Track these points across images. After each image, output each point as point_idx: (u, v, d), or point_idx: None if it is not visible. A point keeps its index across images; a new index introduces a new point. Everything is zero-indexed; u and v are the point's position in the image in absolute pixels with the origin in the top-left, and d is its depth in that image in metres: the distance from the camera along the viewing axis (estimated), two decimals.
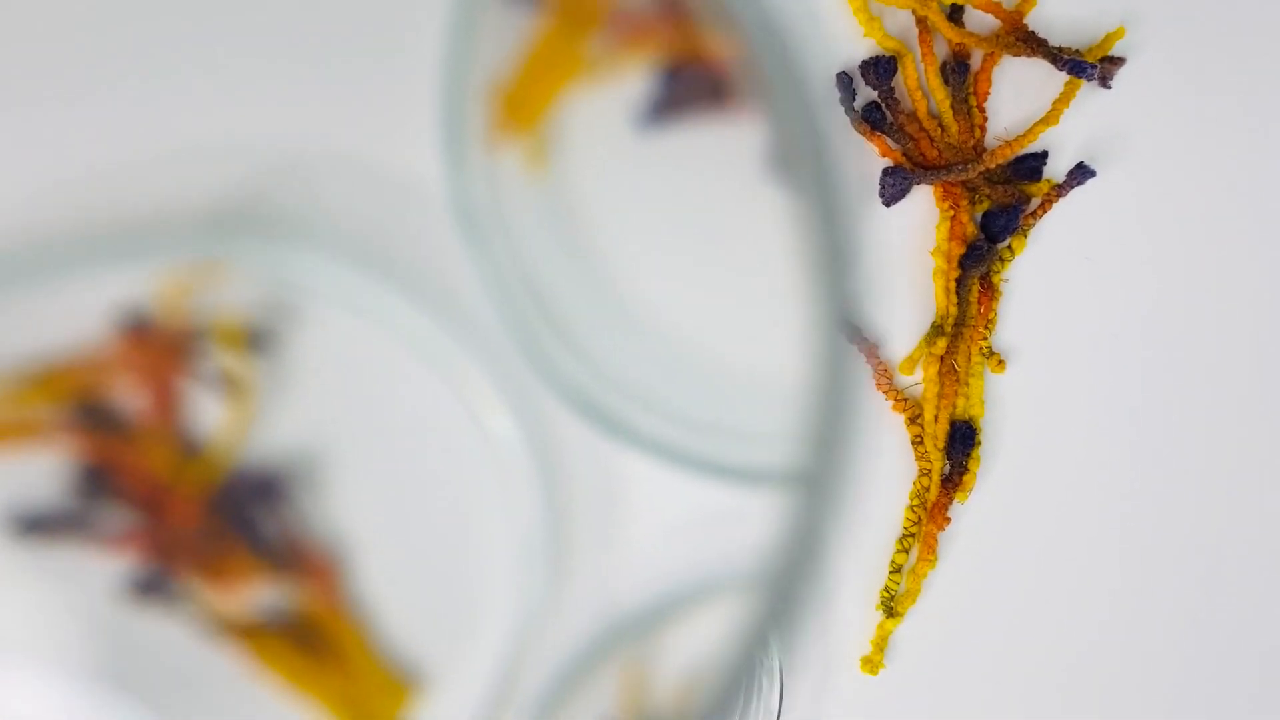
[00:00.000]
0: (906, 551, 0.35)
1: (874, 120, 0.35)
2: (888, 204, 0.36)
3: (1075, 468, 0.35)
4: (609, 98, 0.19)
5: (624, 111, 0.19)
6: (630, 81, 0.19)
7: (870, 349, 0.36)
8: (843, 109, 0.34)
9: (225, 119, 0.22)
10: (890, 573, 0.36)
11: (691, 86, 0.19)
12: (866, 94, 0.35)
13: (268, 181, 0.22)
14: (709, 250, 0.20)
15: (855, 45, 0.34)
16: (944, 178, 0.34)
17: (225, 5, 0.21)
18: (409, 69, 0.21)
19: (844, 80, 0.33)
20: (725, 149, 0.19)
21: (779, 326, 0.17)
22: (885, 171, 0.35)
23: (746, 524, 0.18)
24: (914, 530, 0.36)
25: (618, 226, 0.20)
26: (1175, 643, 0.33)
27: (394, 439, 0.23)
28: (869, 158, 0.34)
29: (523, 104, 0.20)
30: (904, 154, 0.34)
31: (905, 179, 0.34)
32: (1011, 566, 0.34)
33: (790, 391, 0.16)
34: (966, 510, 0.34)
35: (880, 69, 0.34)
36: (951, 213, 0.34)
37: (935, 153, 0.34)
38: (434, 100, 0.20)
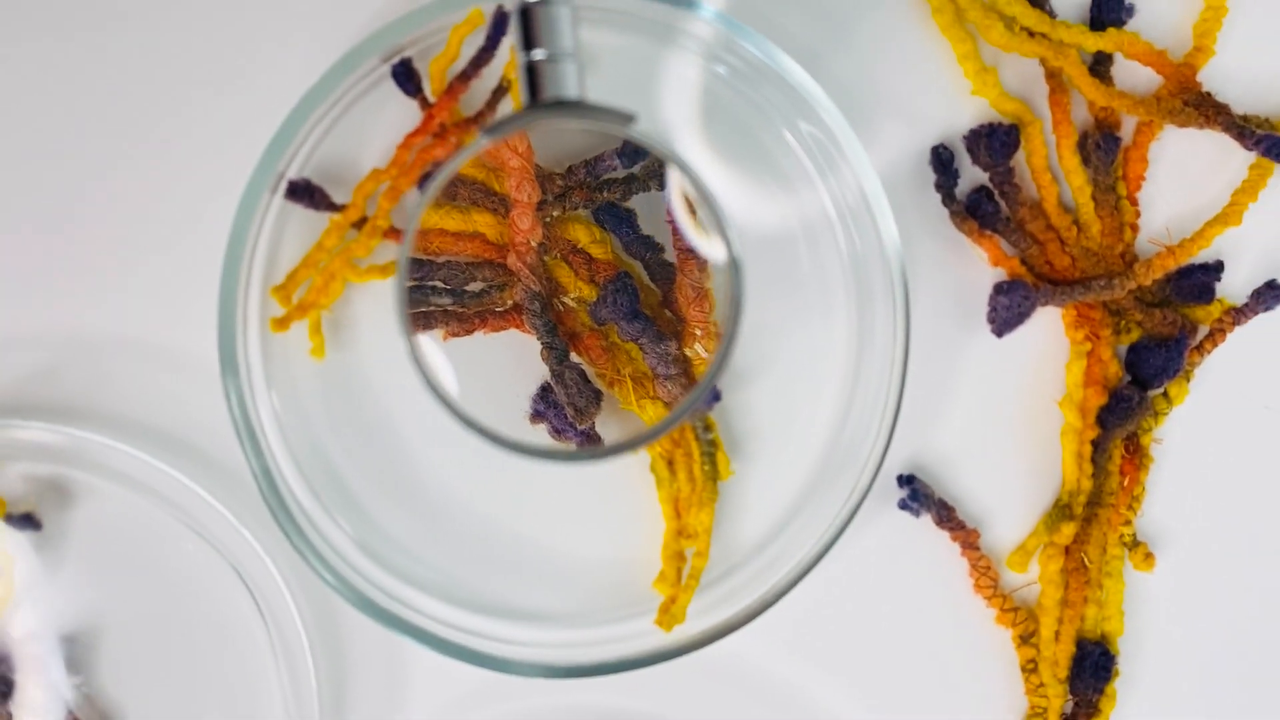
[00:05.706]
0: None
1: (983, 214, 0.28)
2: (1000, 332, 0.28)
3: (1245, 701, 0.29)
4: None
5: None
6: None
7: (966, 535, 0.28)
8: (940, 196, 0.28)
9: (16, 309, 0.29)
10: None
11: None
12: (973, 176, 0.28)
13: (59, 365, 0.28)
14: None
15: (960, 107, 0.28)
16: (1079, 297, 0.28)
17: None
18: (194, 261, 0.28)
19: (941, 157, 0.28)
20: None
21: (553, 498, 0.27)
22: (998, 287, 0.28)
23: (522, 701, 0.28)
24: None
25: (400, 404, 0.27)
26: None
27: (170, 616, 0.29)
28: (974, 264, 0.28)
29: (305, 293, 0.28)
30: (1023, 261, 0.28)
31: (1025, 298, 0.27)
32: None
33: (582, 571, 0.28)
34: None
35: (995, 141, 0.28)
36: (1088, 346, 0.28)
37: (1068, 261, 0.28)
38: (215, 289, 0.27)
